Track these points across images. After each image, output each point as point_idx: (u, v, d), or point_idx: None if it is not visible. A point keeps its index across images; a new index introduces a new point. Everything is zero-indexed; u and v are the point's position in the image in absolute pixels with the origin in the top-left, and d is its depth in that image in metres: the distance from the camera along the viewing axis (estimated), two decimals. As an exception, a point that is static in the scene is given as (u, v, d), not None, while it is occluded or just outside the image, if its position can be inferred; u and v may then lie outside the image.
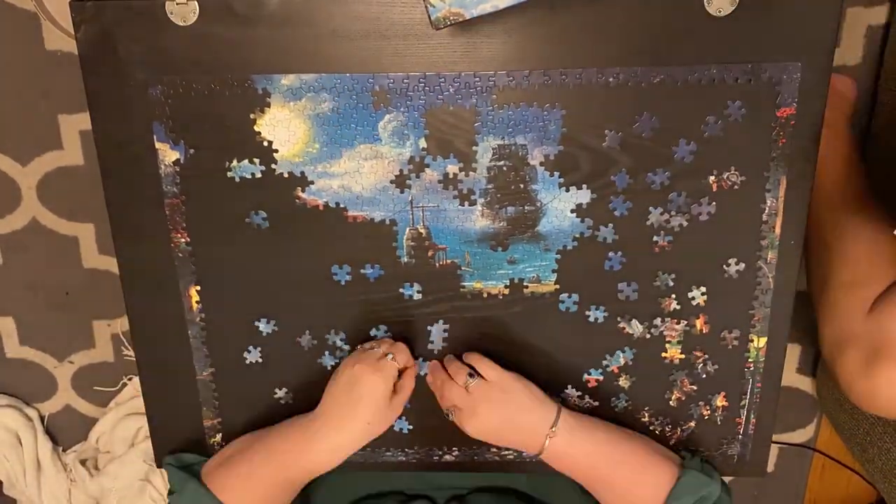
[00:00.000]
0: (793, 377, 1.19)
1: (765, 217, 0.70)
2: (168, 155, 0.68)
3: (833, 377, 0.79)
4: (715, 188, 0.69)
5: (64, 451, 1.27)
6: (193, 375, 0.77)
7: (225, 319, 0.75)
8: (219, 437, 0.80)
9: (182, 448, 0.79)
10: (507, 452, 0.80)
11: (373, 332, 0.75)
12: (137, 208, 0.70)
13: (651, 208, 0.70)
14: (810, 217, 0.70)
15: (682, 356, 0.76)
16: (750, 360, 0.76)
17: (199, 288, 0.73)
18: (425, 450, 0.80)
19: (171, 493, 0.72)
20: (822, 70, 0.65)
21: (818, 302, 0.83)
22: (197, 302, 0.74)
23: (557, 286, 0.73)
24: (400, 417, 0.78)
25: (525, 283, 0.73)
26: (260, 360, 0.76)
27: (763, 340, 0.75)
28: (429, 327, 0.75)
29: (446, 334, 0.75)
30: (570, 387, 0.77)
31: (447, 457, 0.80)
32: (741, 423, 0.78)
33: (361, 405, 0.67)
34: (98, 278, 1.15)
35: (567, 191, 0.69)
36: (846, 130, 0.91)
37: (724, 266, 0.72)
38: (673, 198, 0.69)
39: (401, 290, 0.73)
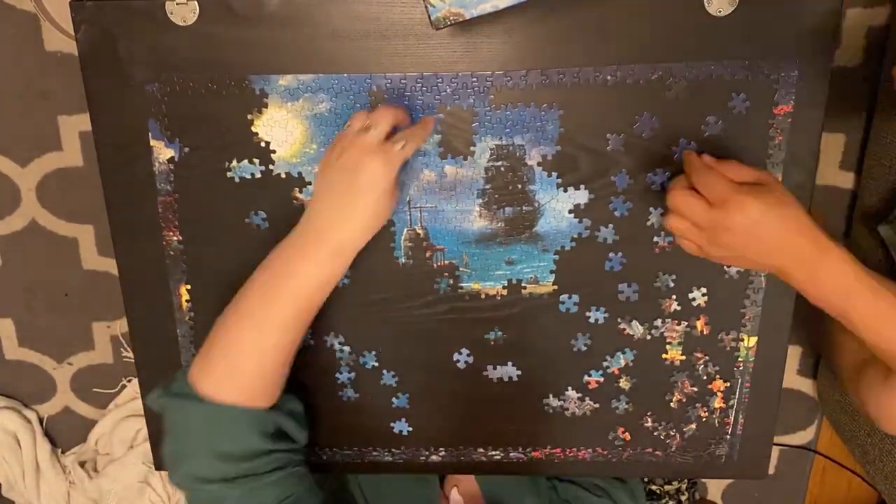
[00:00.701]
0: (794, 379, 1.19)
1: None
2: (163, 153, 0.68)
3: (860, 407, 0.78)
4: (715, 188, 0.69)
5: (63, 452, 1.27)
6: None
7: (215, 319, 0.74)
8: None
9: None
10: (493, 453, 0.80)
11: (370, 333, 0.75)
12: (136, 207, 0.70)
13: (651, 209, 0.69)
14: None
15: (683, 357, 0.75)
16: (740, 359, 0.75)
17: (189, 287, 0.73)
18: (412, 450, 0.80)
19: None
20: (821, 68, 0.65)
21: (829, 343, 0.82)
22: (187, 301, 0.74)
23: (556, 287, 0.72)
24: (399, 419, 0.78)
25: (523, 284, 0.73)
26: None
27: (753, 340, 0.74)
28: (428, 329, 0.75)
29: (445, 336, 0.75)
30: (570, 388, 0.77)
31: (433, 457, 0.80)
32: (730, 423, 0.78)
33: (365, 198, 0.59)
34: (97, 280, 1.15)
35: (565, 191, 0.69)
36: None
37: (725, 266, 0.72)
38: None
39: (402, 292, 0.73)
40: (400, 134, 0.60)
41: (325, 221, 0.60)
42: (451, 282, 0.72)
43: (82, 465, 1.24)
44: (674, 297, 0.73)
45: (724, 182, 0.57)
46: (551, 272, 0.72)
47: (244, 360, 0.61)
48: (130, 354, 1.19)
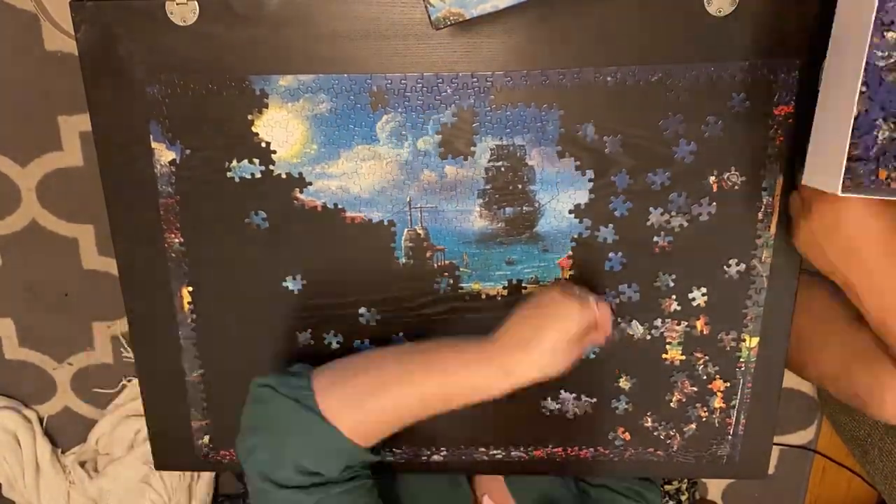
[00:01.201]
0: (794, 379, 1.19)
1: (760, 215, 0.70)
2: (164, 155, 0.68)
3: (853, 398, 0.78)
4: (715, 188, 0.69)
5: (63, 452, 1.27)
6: (183, 376, 0.77)
7: (216, 321, 0.74)
8: (206, 438, 0.80)
9: (171, 450, 0.79)
10: (495, 452, 0.80)
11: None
12: (136, 208, 0.70)
13: (651, 209, 0.69)
14: None
15: (683, 357, 0.75)
16: (741, 359, 0.75)
17: (190, 289, 0.73)
18: (413, 450, 0.80)
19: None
20: (820, 67, 0.65)
21: (803, 352, 0.83)
22: (189, 303, 0.74)
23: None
24: None
25: (524, 284, 0.73)
26: (253, 363, 0.76)
27: (755, 340, 0.74)
28: (429, 329, 0.75)
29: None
30: (563, 390, 0.77)
31: (435, 457, 0.80)
32: (731, 423, 0.78)
33: (549, 327, 0.61)
34: (97, 280, 1.15)
35: (565, 191, 0.69)
36: None
37: (725, 267, 0.72)
38: (673, 198, 0.69)
39: (400, 292, 0.73)
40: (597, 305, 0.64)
41: (510, 339, 0.63)
42: (452, 282, 0.72)
43: (82, 464, 1.24)
44: (674, 296, 0.73)
45: None
46: (552, 272, 0.72)
47: (378, 407, 0.62)
48: (130, 354, 1.19)
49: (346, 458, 0.62)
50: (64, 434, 1.27)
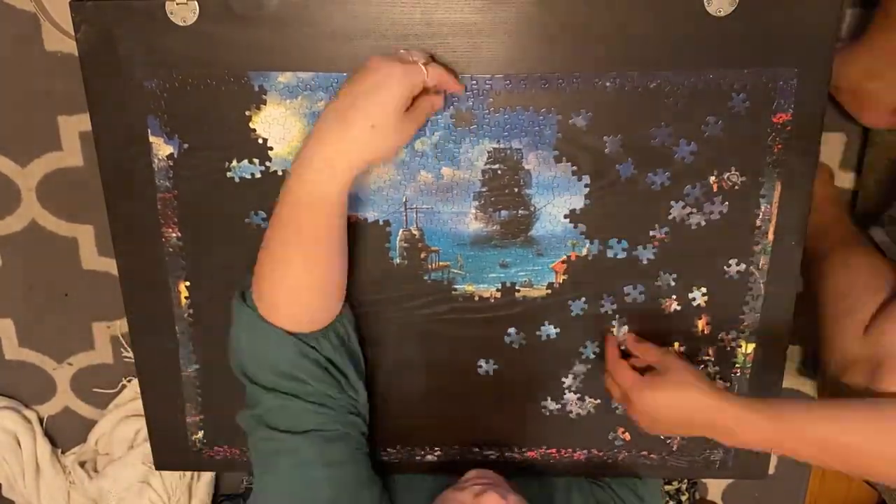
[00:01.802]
0: (794, 379, 1.19)
1: (758, 222, 0.70)
2: (162, 149, 0.68)
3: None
4: (716, 188, 0.69)
5: (63, 453, 1.27)
6: (178, 371, 0.77)
7: (213, 317, 0.74)
8: (201, 434, 0.80)
9: (168, 445, 0.79)
10: (489, 452, 0.80)
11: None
12: (135, 207, 0.70)
13: (651, 209, 0.69)
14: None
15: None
16: (737, 365, 0.75)
17: (188, 284, 0.73)
18: (406, 450, 0.80)
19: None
20: (819, 76, 0.65)
21: (819, 339, 0.84)
22: (186, 298, 0.74)
23: (549, 291, 0.72)
24: (394, 418, 0.78)
25: (517, 287, 0.73)
26: None
27: (751, 347, 0.74)
28: (422, 330, 0.75)
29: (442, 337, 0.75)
30: (568, 391, 0.77)
31: (429, 457, 0.80)
32: None
33: (370, 98, 0.56)
34: (97, 280, 1.15)
35: (561, 196, 0.69)
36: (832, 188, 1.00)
37: (725, 267, 0.72)
38: (673, 198, 0.69)
39: (394, 292, 0.73)
40: (428, 64, 0.60)
41: (321, 129, 0.58)
42: (446, 283, 0.72)
43: (82, 465, 1.24)
44: (674, 296, 0.73)
45: (626, 377, 0.68)
46: (545, 276, 0.72)
47: (277, 282, 0.62)
48: (130, 354, 1.19)
49: (298, 349, 0.63)
50: (64, 434, 1.27)
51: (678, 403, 0.64)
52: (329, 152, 0.58)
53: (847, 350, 0.73)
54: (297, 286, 0.62)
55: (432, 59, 0.63)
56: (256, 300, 0.64)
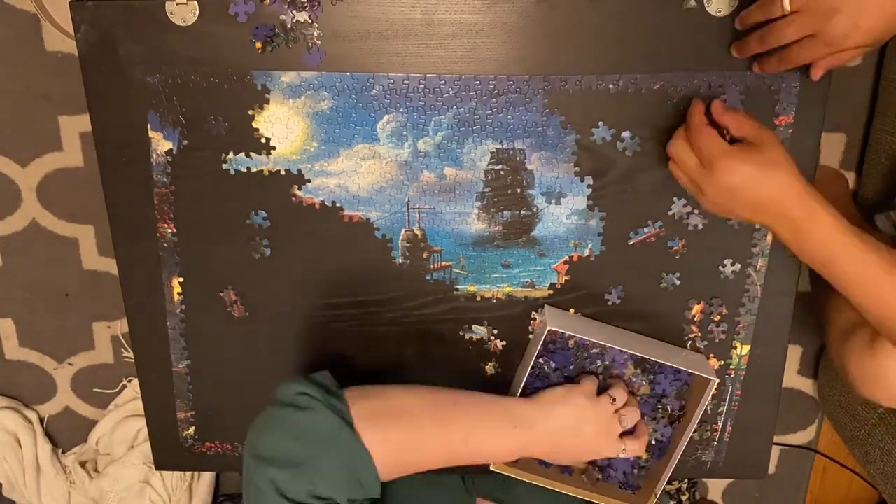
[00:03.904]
0: (794, 379, 1.19)
1: (757, 224, 0.70)
2: (161, 144, 0.68)
3: (842, 370, 0.80)
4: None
5: (63, 453, 1.27)
6: (169, 367, 0.77)
7: (204, 314, 0.74)
8: (192, 429, 0.80)
9: (165, 444, 0.79)
10: None
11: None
12: (135, 206, 0.70)
13: (653, 210, 0.69)
14: None
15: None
16: (731, 366, 0.75)
17: (181, 279, 0.73)
18: None
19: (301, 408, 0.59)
20: (821, 79, 0.64)
21: (823, 308, 0.84)
22: (178, 293, 0.74)
23: (551, 291, 0.72)
24: None
25: (519, 288, 0.73)
26: (240, 356, 0.76)
27: (746, 348, 0.74)
28: (424, 329, 0.74)
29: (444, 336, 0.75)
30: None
31: None
32: (717, 429, 0.78)
33: (566, 445, 0.66)
34: (98, 280, 1.15)
35: (564, 197, 0.69)
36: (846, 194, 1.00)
37: (720, 266, 0.71)
38: (673, 199, 0.69)
39: (396, 292, 0.73)
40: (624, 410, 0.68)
41: (526, 434, 0.64)
42: (448, 283, 0.72)
43: (83, 465, 1.24)
44: (674, 297, 0.73)
45: (714, 143, 0.59)
46: (548, 277, 0.72)
47: (414, 448, 0.60)
48: (130, 354, 1.19)
49: (360, 489, 0.58)
50: (64, 434, 1.27)
51: (765, 181, 0.58)
52: (535, 434, 0.65)
53: (850, 315, 0.73)
54: (421, 461, 0.62)
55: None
56: (366, 426, 0.58)
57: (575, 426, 0.66)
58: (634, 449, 0.68)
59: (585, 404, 0.67)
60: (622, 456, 0.67)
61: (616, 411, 0.68)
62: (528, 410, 0.65)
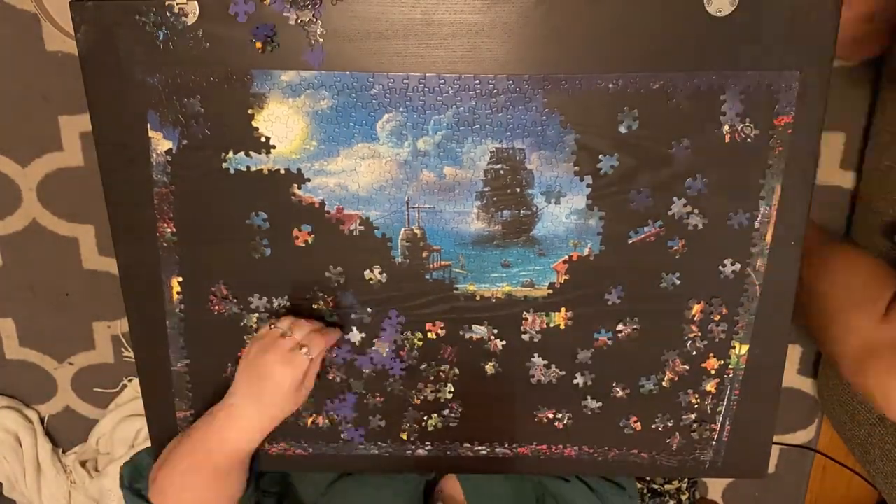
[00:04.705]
0: (794, 379, 1.19)
1: (757, 224, 0.70)
2: (161, 144, 0.68)
3: (866, 394, 0.79)
4: (716, 189, 0.69)
5: (64, 452, 1.27)
6: (169, 366, 0.77)
7: (203, 313, 0.74)
8: None
9: (161, 442, 0.79)
10: (480, 448, 0.80)
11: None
12: (136, 206, 0.70)
13: (652, 208, 0.69)
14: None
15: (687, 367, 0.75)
16: (730, 366, 0.75)
17: (180, 279, 0.73)
18: (398, 444, 0.80)
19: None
20: (821, 79, 0.65)
21: (826, 335, 0.83)
22: (178, 293, 0.74)
23: (551, 291, 0.72)
24: (374, 415, 0.78)
25: (519, 287, 0.73)
26: (239, 356, 0.76)
27: (745, 348, 0.74)
28: (421, 330, 0.75)
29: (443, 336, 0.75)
30: (565, 409, 0.77)
31: (420, 451, 0.80)
32: (716, 429, 0.78)
33: (269, 395, 0.69)
34: (98, 279, 1.15)
35: (563, 196, 0.69)
36: None
37: (720, 266, 0.72)
38: (673, 199, 0.69)
39: (397, 292, 0.73)
40: (305, 337, 0.69)
41: (237, 407, 0.70)
42: (447, 283, 0.72)
43: (83, 464, 1.24)
44: (674, 298, 0.73)
45: None
46: (547, 276, 0.72)
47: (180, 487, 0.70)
48: (131, 354, 1.19)
49: None
50: (64, 434, 1.27)
51: None
52: (243, 426, 0.70)
53: (866, 338, 0.73)
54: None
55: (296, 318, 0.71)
56: (156, 495, 0.70)
57: (252, 370, 0.69)
58: (316, 344, 0.69)
59: (249, 349, 0.70)
60: (306, 357, 0.68)
61: (299, 344, 0.69)
62: (220, 405, 0.71)
